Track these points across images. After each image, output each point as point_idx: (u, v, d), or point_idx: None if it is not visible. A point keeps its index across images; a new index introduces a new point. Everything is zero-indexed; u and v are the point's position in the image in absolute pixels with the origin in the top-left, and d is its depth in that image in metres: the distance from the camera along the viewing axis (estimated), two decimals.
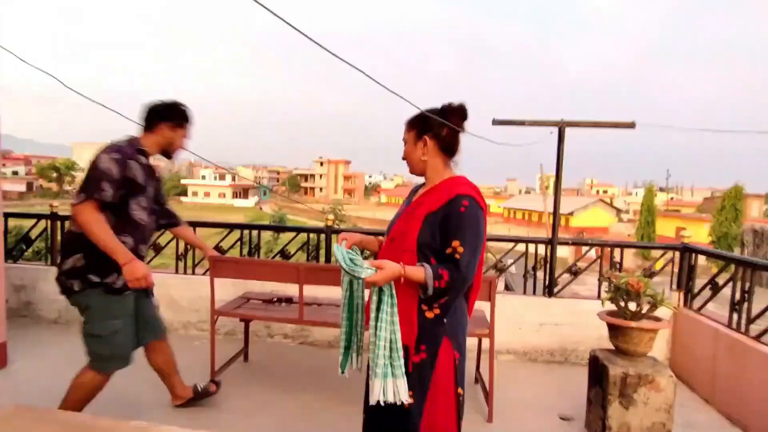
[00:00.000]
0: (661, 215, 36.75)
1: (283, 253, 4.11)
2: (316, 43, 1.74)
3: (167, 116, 2.30)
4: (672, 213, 42.85)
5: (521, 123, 3.68)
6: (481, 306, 3.33)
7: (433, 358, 1.62)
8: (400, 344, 1.57)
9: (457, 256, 1.54)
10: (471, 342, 3.63)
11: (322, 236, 3.92)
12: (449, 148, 1.70)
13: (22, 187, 59.73)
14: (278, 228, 4.96)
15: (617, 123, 3.54)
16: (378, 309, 1.57)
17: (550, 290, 3.79)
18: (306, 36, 1.68)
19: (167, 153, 2.36)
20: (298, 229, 4.12)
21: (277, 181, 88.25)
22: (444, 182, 1.68)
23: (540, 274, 3.93)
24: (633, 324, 2.45)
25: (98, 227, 2.06)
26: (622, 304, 2.58)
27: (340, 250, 1.57)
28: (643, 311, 2.53)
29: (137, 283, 2.14)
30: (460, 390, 1.68)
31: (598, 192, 75.37)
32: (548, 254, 3.80)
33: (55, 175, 61.65)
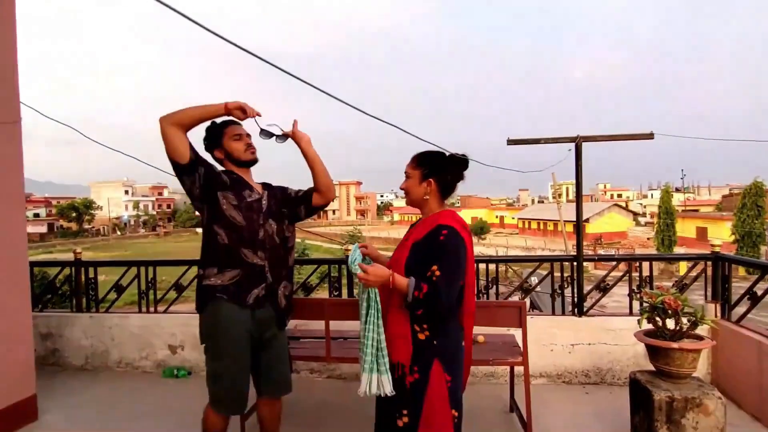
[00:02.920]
0: (680, 216, 36.06)
1: (305, 286, 4.08)
2: (312, 85, 1.76)
3: (208, 145, 2.26)
4: (690, 213, 42.00)
5: (537, 141, 3.64)
6: (511, 331, 3.26)
7: (425, 378, 1.76)
8: (384, 344, 1.81)
9: (434, 278, 1.72)
10: (503, 368, 3.55)
11: (344, 267, 3.89)
12: (448, 191, 1.94)
13: (43, 229, 61.11)
14: (298, 261, 4.96)
15: (635, 135, 3.49)
16: (367, 314, 1.83)
17: (579, 309, 3.68)
18: (301, 80, 1.69)
19: (242, 162, 2.24)
20: (319, 261, 4.11)
21: None
22: (432, 215, 1.90)
23: (566, 291, 3.84)
24: (675, 345, 2.36)
25: (178, 111, 2.04)
26: (660, 323, 2.49)
27: (354, 253, 1.91)
28: (684, 329, 2.44)
29: (237, 113, 2.08)
30: (454, 412, 1.79)
31: (612, 196, 74.37)
32: (575, 272, 3.70)
33: (74, 214, 63.02)
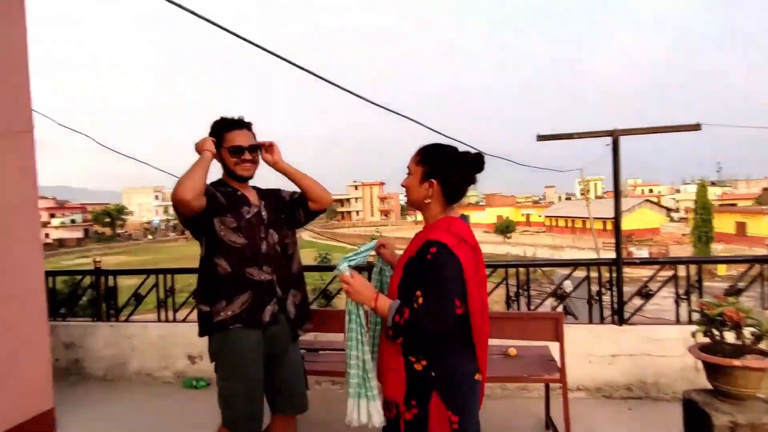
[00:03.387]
0: (717, 210, 34.53)
1: (325, 293, 3.92)
2: (338, 86, 1.58)
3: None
4: (728, 208, 40.17)
5: (569, 136, 3.38)
6: (543, 342, 3.01)
7: (425, 415, 1.50)
8: (371, 365, 1.62)
9: (416, 305, 1.47)
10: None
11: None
12: (454, 196, 1.61)
13: (80, 234, 63.34)
14: (320, 268, 4.86)
15: (679, 126, 3.19)
16: (348, 329, 1.63)
17: (620, 316, 3.40)
18: (330, 82, 1.52)
19: (236, 177, 2.08)
20: None
21: None
22: (428, 226, 1.62)
23: (600, 296, 3.56)
24: (737, 362, 2.08)
25: (182, 180, 1.87)
26: (719, 337, 2.21)
27: (358, 254, 1.77)
28: (746, 344, 2.16)
29: (200, 148, 1.99)
30: None
31: (642, 192, 72.05)
32: (614, 277, 3.42)
33: (107, 219, 65.14)
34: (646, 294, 3.38)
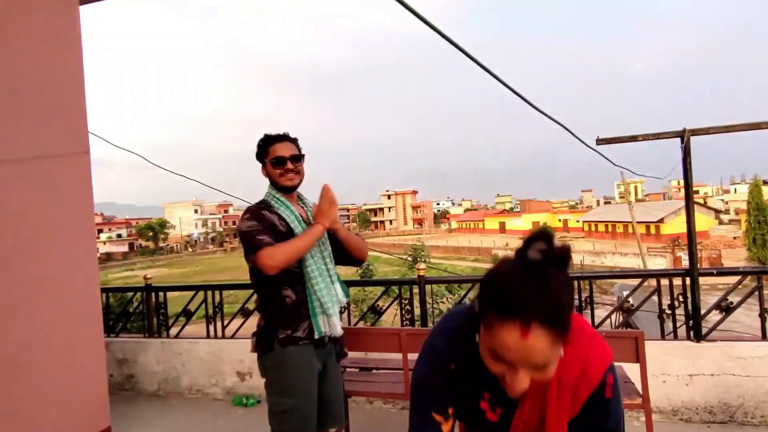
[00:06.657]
0: None
1: (375, 309, 3.82)
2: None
3: (258, 159, 2.13)
4: None
5: (633, 139, 3.16)
6: (617, 363, 2.79)
7: None
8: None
9: None
10: None
11: (416, 288, 3.58)
12: None
13: (125, 248, 66.21)
14: (365, 283, 4.78)
15: (759, 124, 2.92)
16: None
17: (696, 332, 3.12)
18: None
19: (281, 188, 2.09)
20: (388, 282, 3.83)
21: (348, 218, 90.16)
22: (572, 362, 1.05)
23: (671, 310, 3.28)
24: None
25: (284, 254, 1.89)
26: None
27: None
28: None
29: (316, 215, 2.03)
30: None
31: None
32: (687, 288, 3.15)
33: (151, 234, 67.86)
34: (726, 307, 3.08)
